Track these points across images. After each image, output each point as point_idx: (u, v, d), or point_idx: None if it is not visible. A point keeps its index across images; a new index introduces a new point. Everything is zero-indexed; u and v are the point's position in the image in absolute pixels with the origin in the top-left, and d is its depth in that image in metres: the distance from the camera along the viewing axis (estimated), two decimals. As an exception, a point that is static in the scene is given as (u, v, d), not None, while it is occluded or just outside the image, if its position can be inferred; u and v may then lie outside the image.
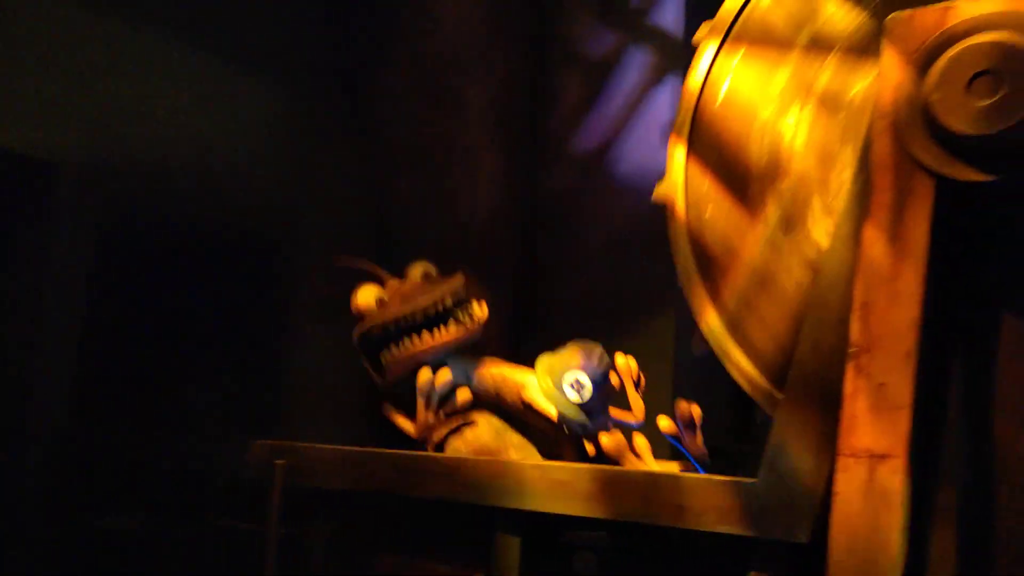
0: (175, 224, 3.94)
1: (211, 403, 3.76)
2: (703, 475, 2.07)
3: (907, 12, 1.85)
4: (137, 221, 3.85)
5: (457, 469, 2.38)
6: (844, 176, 2.06)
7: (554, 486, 2.20)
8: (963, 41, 1.75)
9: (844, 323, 1.86)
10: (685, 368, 4.19)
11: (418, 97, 4.44)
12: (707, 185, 2.37)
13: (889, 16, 1.88)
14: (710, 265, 2.35)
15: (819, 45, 2.21)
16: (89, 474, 3.58)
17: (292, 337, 4.27)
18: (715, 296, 2.33)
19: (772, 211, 2.22)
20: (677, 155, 2.42)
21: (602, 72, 4.51)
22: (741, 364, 2.26)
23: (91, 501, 3.60)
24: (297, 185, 4.44)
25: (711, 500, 2.01)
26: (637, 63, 4.48)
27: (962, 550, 1.82)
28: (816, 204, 2.15)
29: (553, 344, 2.73)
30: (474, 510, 2.33)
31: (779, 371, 2.15)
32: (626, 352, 2.82)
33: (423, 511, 2.55)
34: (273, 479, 2.65)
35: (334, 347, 4.30)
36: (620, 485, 2.12)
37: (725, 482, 2.00)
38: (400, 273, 3.03)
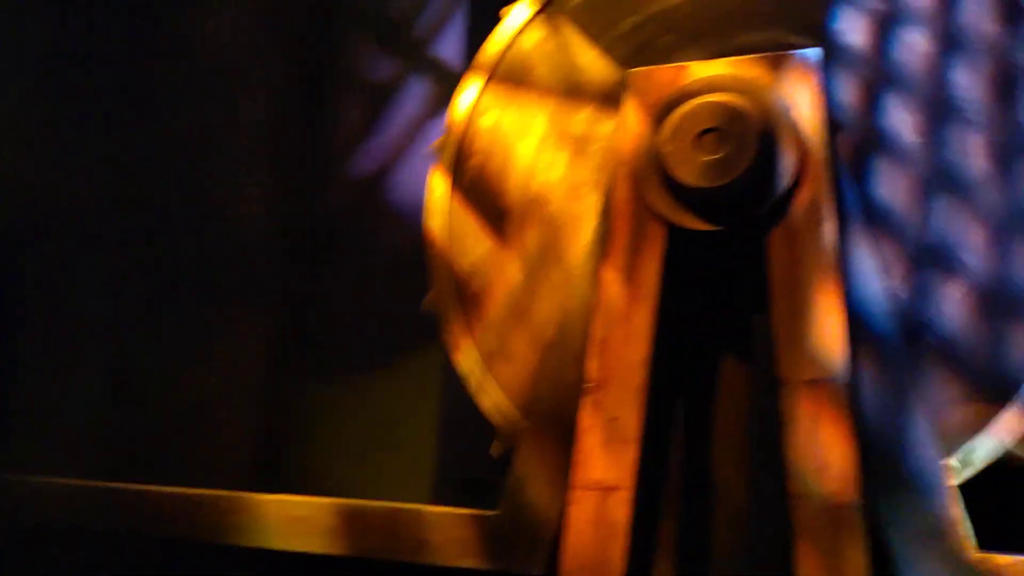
0: None
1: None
2: (446, 508, 2.06)
3: (648, 68, 1.97)
4: None
5: (190, 505, 2.23)
6: (592, 218, 2.14)
7: (294, 522, 2.11)
8: (694, 99, 1.88)
9: (584, 358, 1.93)
10: (453, 394, 4.21)
11: (186, 104, 4.20)
12: (468, 218, 2.39)
13: (631, 70, 1.99)
14: (467, 297, 2.36)
15: (575, 91, 2.29)
16: None
17: (26, 354, 3.87)
18: (472, 328, 2.35)
19: (526, 248, 2.27)
20: (439, 186, 2.42)
21: (382, 99, 4.49)
22: (495, 396, 2.29)
23: None
24: (44, 189, 4.06)
25: (452, 533, 2.00)
26: (417, 92, 4.49)
27: (681, 579, 1.92)
28: (566, 243, 2.22)
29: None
30: (209, 549, 2.20)
31: (530, 404, 2.19)
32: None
33: (156, 549, 2.36)
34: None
35: (73, 368, 3.96)
36: (361, 520, 2.07)
37: (467, 515, 2.00)
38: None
